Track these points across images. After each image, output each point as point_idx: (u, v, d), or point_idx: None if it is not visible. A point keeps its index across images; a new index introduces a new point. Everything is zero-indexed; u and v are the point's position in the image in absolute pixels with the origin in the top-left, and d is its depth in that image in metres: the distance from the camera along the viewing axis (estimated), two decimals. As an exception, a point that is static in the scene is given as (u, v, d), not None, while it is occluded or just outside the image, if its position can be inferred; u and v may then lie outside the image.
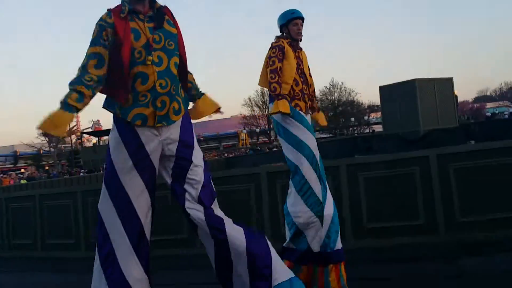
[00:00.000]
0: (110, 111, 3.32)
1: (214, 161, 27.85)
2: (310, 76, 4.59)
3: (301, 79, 4.41)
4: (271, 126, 41.42)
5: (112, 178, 3.27)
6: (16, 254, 9.53)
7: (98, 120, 61.97)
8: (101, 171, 26.81)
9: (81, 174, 31.70)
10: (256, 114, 61.95)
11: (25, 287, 7.16)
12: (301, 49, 4.54)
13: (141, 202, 3.29)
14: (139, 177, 3.26)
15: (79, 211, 8.76)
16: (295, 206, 4.23)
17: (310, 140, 4.29)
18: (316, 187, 4.20)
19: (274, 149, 32.93)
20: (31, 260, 9.00)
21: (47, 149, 57.76)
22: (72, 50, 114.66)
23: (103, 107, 3.35)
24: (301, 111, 4.34)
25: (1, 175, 34.89)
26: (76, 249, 8.72)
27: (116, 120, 3.28)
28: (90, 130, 57.33)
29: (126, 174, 3.24)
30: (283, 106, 4.14)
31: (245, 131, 62.82)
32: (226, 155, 41.55)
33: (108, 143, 3.44)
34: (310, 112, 4.56)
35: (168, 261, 6.57)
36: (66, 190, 9.10)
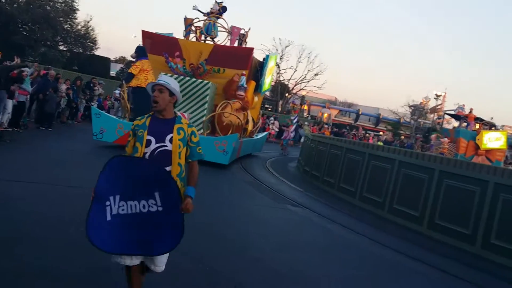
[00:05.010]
0: None
1: None
2: None
3: None
4: None
5: None
6: (362, 205, 10.42)
7: (464, 105, 59.67)
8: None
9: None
10: None
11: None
12: None
13: None
14: None
15: (432, 189, 8.78)
16: None
17: None
18: None
19: None
20: (378, 217, 9.70)
21: (408, 119, 59.72)
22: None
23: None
24: None
25: (363, 132, 38.38)
26: (419, 223, 8.87)
27: None
28: (453, 112, 55.96)
29: None
30: None
31: None
32: None
33: None
34: None
35: None
36: (425, 164, 9.15)
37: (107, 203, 3.28)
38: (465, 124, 23.77)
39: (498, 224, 7.55)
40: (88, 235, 3.21)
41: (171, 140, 3.42)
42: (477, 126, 23.23)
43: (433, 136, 27.33)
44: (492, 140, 22.18)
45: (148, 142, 3.40)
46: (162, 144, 3.40)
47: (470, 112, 23.86)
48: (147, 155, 3.39)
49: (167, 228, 3.27)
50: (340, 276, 5.54)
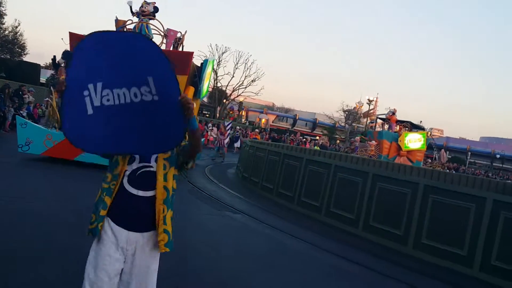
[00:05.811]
0: None
1: None
2: None
3: None
4: None
5: None
6: (300, 210, 10.60)
7: (395, 109, 62.22)
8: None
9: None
10: None
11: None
12: None
13: None
14: None
15: (366, 192, 9.09)
16: None
17: None
18: None
19: None
20: (315, 221, 9.89)
21: (343, 124, 61.56)
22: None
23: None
24: None
25: (300, 137, 39.16)
26: (355, 226, 9.14)
27: None
28: (384, 116, 58.26)
29: None
30: None
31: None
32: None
33: None
34: None
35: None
36: (359, 168, 9.46)
37: (85, 92, 2.59)
38: (387, 126, 24.85)
39: (429, 224, 7.93)
40: (65, 130, 2.57)
41: (156, 160, 2.89)
42: (397, 127, 24.35)
43: (357, 138, 28.37)
44: (412, 141, 23.36)
45: (132, 159, 2.87)
46: (147, 164, 2.87)
47: (393, 114, 24.90)
48: (127, 173, 2.84)
49: (165, 121, 2.63)
50: (280, 282, 5.60)
